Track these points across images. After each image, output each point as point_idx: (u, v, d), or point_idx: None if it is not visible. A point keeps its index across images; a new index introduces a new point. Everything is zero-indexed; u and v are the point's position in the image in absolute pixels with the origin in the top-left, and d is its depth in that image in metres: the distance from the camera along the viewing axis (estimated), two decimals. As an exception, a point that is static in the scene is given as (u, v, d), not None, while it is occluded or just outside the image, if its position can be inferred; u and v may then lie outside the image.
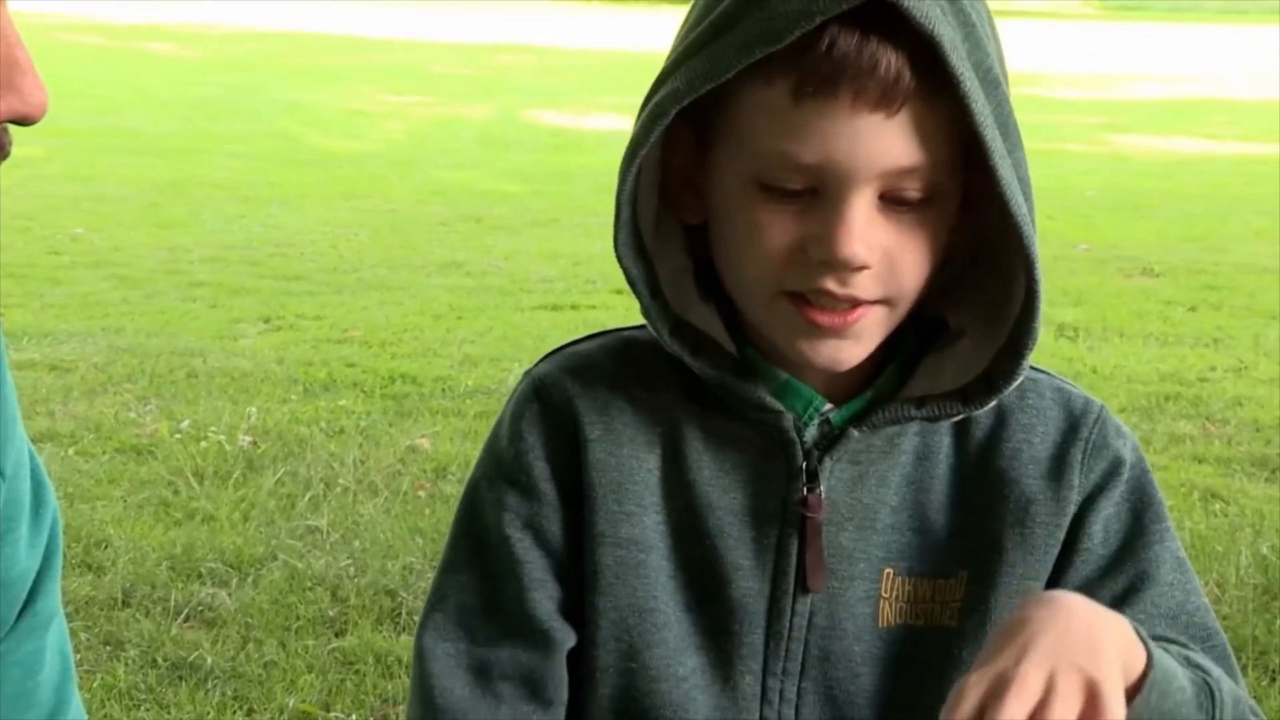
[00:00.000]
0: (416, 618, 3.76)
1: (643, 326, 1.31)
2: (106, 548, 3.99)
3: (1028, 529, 1.28)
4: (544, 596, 1.28)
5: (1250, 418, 5.48)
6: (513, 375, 5.72)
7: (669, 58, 1.22)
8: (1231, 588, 3.90)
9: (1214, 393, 5.79)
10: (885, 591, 1.28)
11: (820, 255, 1.17)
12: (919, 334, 1.29)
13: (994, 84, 1.16)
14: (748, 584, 1.28)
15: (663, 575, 1.28)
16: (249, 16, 27.31)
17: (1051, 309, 7.02)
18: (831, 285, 1.18)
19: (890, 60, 1.13)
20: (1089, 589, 1.26)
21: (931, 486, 1.29)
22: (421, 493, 4.50)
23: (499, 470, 1.31)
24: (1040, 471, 1.29)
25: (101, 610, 3.64)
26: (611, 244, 1.24)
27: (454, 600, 1.29)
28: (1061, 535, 1.29)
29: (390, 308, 7.01)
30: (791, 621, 1.28)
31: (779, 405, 1.26)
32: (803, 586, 1.27)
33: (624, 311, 7.01)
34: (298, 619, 3.65)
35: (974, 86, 1.13)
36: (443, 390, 5.58)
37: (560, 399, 1.30)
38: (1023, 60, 23.30)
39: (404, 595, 3.76)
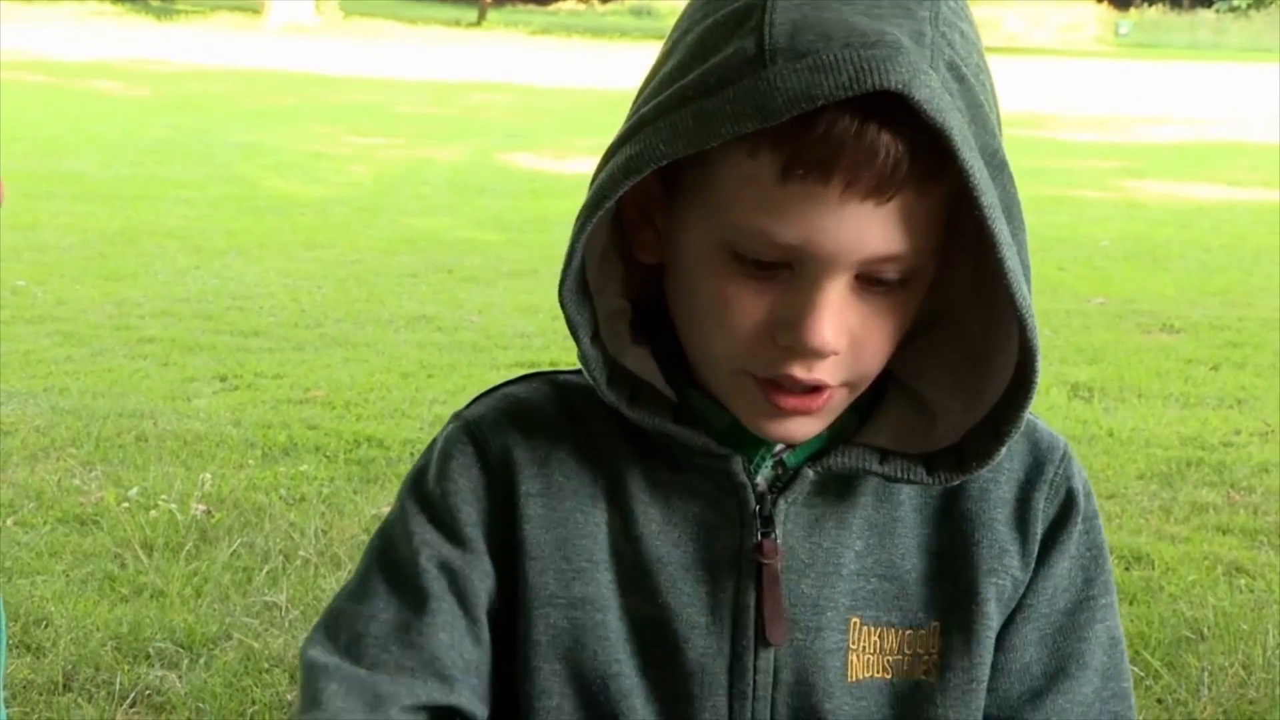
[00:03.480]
0: (382, 702, 3.75)
1: (575, 370, 1.32)
2: (47, 626, 3.97)
3: (1002, 580, 1.31)
4: (451, 642, 1.26)
5: (1277, 486, 5.49)
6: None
7: (642, 104, 1.21)
8: (1258, 669, 3.91)
9: (1239, 458, 5.81)
10: (854, 643, 1.29)
11: (788, 341, 1.18)
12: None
13: (999, 167, 1.17)
14: (705, 643, 1.28)
15: (619, 637, 1.28)
16: (200, 54, 27.41)
17: (1065, 367, 7.06)
18: (797, 372, 1.19)
19: (890, 149, 1.13)
20: (1022, 648, 1.31)
21: (895, 530, 1.30)
22: (388, 566, 4.49)
23: (423, 508, 1.30)
24: (1007, 516, 1.32)
25: (41, 695, 3.63)
26: (557, 291, 1.25)
27: (348, 629, 1.27)
28: (1044, 586, 1.33)
29: (355, 365, 7.02)
30: (755, 680, 1.28)
31: (725, 450, 1.27)
32: (764, 640, 1.27)
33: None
34: (253, 704, 3.63)
35: (982, 176, 1.14)
36: (411, 454, 5.58)
37: (497, 446, 1.30)
38: (1034, 100, 23.45)
39: (369, 677, 3.75)
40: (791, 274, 1.18)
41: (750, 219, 1.17)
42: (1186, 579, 4.51)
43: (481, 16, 43.29)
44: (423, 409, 6.22)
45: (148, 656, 3.84)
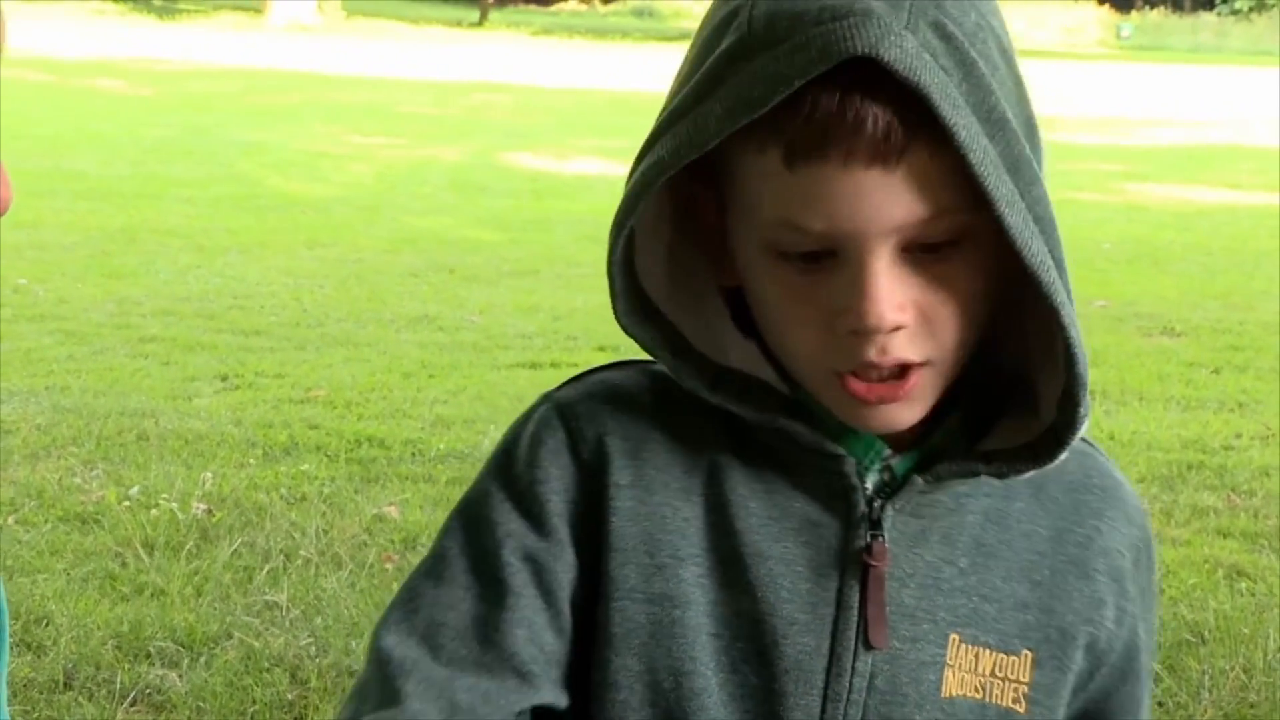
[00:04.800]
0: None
1: None
2: (48, 625, 3.97)
3: (1096, 631, 1.31)
4: (530, 636, 1.24)
5: (1278, 489, 5.49)
6: (488, 439, 5.72)
7: (656, 122, 1.23)
8: (1259, 673, 3.91)
9: (1240, 462, 5.82)
10: (951, 659, 1.28)
11: (848, 326, 1.18)
12: (985, 385, 1.29)
13: (999, 123, 1.16)
14: (804, 640, 1.26)
15: (701, 634, 1.26)
16: (202, 53, 27.42)
17: (1065, 370, 7.04)
18: (872, 356, 1.19)
19: (876, 116, 1.13)
20: (1127, 706, 1.34)
21: (1001, 553, 1.30)
22: (389, 565, 4.50)
23: (510, 494, 1.28)
24: (1107, 569, 1.32)
25: (42, 694, 3.63)
26: (615, 318, 1.25)
27: (426, 614, 1.25)
28: (1118, 649, 1.33)
29: (356, 365, 7.02)
30: (852, 682, 1.26)
31: (838, 449, 1.26)
32: (864, 643, 1.26)
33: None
34: (254, 703, 3.64)
35: (973, 132, 1.14)
36: (412, 454, 5.58)
37: (590, 435, 1.28)
38: (1036, 103, 23.43)
39: (369, 677, 3.75)
40: (838, 260, 1.18)
41: (777, 213, 1.18)
42: (1187, 582, 4.51)
43: (484, 17, 43.30)
44: (424, 409, 6.23)
45: (148, 655, 3.85)
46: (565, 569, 1.26)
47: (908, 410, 1.23)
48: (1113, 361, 7.32)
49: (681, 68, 1.25)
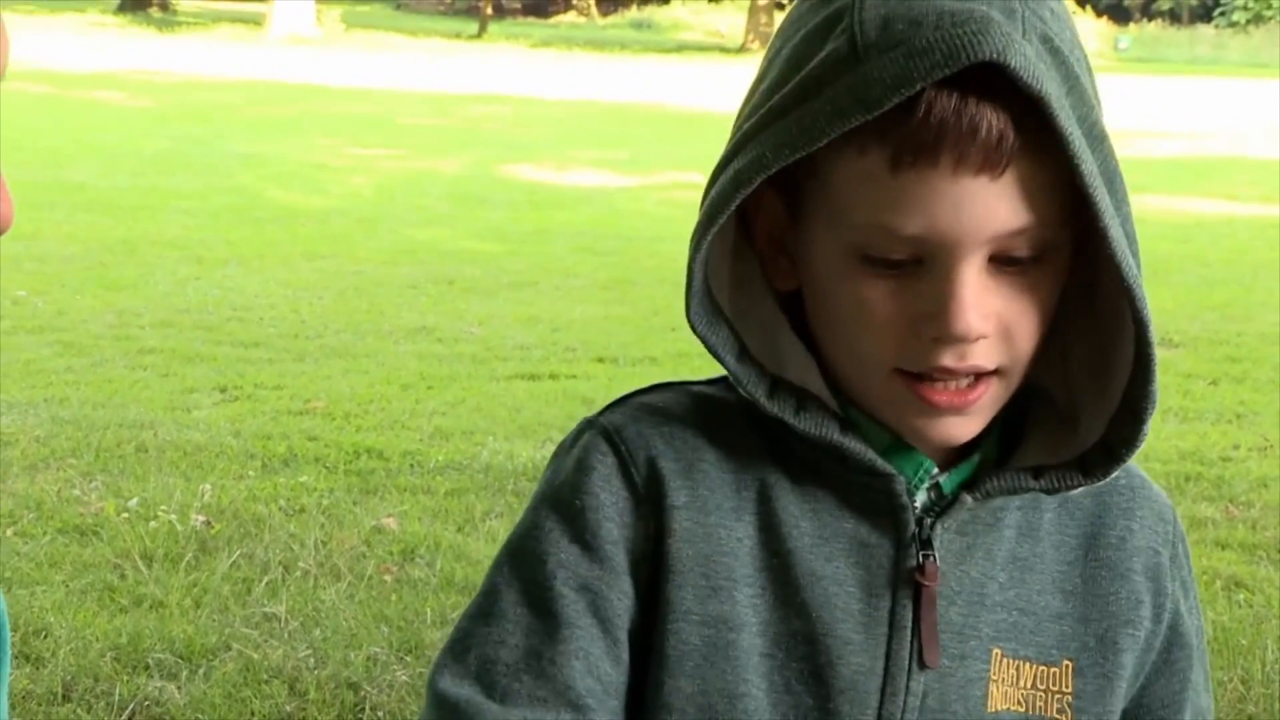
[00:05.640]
0: (381, 714, 3.76)
1: (709, 382, 1.31)
2: (46, 637, 3.97)
3: (1136, 632, 1.32)
4: (587, 668, 1.23)
5: (1276, 501, 5.49)
6: (487, 450, 5.72)
7: (745, 120, 1.22)
8: (1257, 684, 3.91)
9: (1237, 473, 5.81)
10: (995, 674, 1.28)
11: (934, 333, 1.18)
12: (1016, 398, 1.29)
13: (1099, 139, 1.18)
14: (858, 660, 1.26)
15: (754, 655, 1.25)
16: (202, 65, 27.44)
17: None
18: (950, 362, 1.19)
19: (992, 122, 1.14)
20: (1175, 706, 1.34)
21: (1035, 565, 1.30)
22: (387, 577, 4.50)
23: (561, 523, 1.26)
24: (1143, 567, 1.33)
25: (40, 706, 3.62)
26: (686, 316, 1.24)
27: (478, 652, 1.24)
28: (1157, 645, 1.33)
29: (355, 377, 7.02)
30: (906, 701, 1.26)
31: (890, 468, 1.25)
32: (919, 663, 1.26)
33: (606, 381, 7.03)
34: (252, 714, 3.63)
35: (1081, 145, 1.15)
36: (411, 466, 5.58)
37: (641, 458, 1.26)
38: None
39: (367, 689, 3.75)
40: (924, 267, 1.18)
41: (872, 216, 1.17)
42: (1185, 593, 4.51)
43: (482, 29, 43.34)
44: (422, 420, 6.22)
45: (147, 667, 3.84)
46: (621, 596, 1.25)
47: (970, 423, 1.23)
48: (1111, 373, 7.31)
49: (766, 70, 1.24)
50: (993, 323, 1.19)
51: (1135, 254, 1.19)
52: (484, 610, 1.26)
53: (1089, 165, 1.15)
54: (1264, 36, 48.12)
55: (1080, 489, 1.27)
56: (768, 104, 1.20)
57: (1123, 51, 48.56)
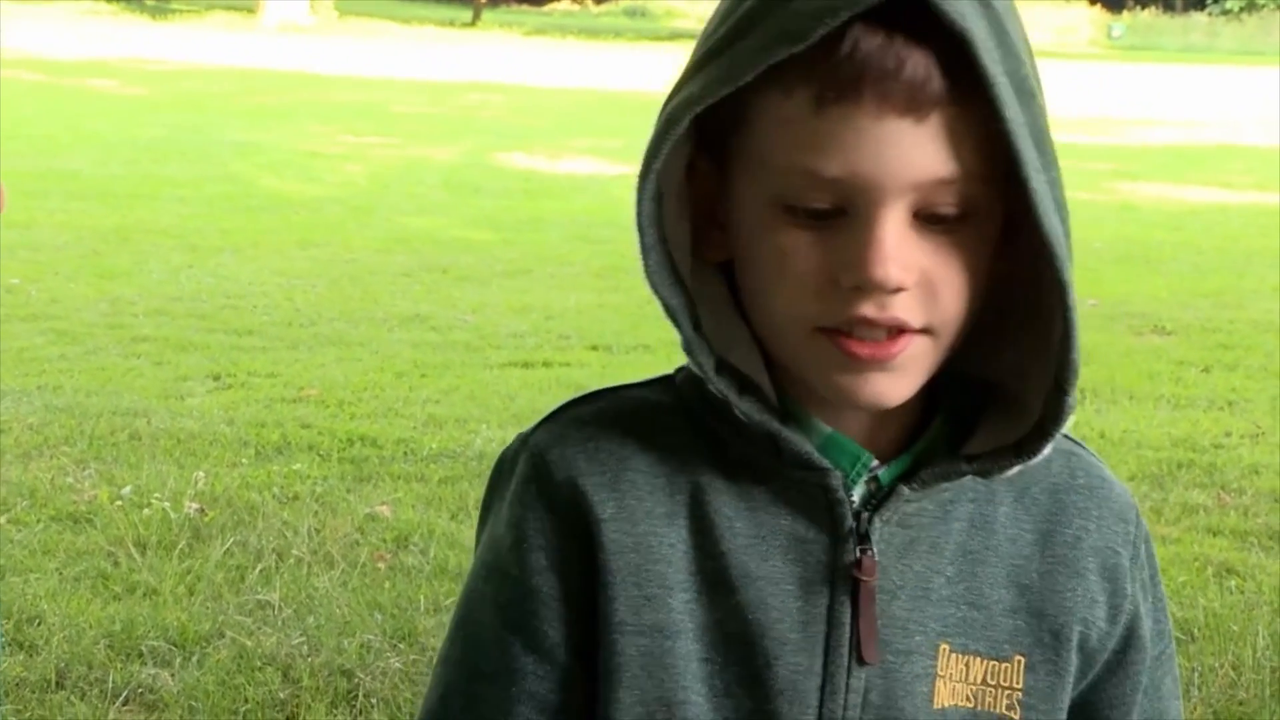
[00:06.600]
0: (374, 700, 3.77)
1: (643, 384, 1.30)
2: (39, 624, 3.97)
3: (1088, 630, 1.30)
4: (534, 710, 1.25)
5: (1267, 487, 5.50)
6: (480, 438, 5.72)
7: (686, 66, 1.21)
8: (1248, 670, 3.91)
9: (1229, 460, 5.82)
10: (942, 669, 1.26)
11: (852, 280, 1.15)
12: (965, 391, 1.27)
13: (1028, 94, 1.15)
14: (796, 660, 1.24)
15: (693, 661, 1.25)
16: (196, 53, 27.40)
17: (1056, 369, 7.06)
18: (869, 311, 1.16)
19: (917, 60, 1.12)
20: (1125, 707, 1.33)
21: (987, 559, 1.28)
22: (381, 564, 4.50)
23: (496, 560, 1.28)
24: (1100, 567, 1.31)
25: (33, 693, 3.63)
26: (644, 276, 1.22)
27: (440, 700, 1.28)
28: (1111, 646, 1.32)
29: (349, 365, 7.02)
30: (846, 699, 1.24)
31: (825, 462, 1.23)
32: (857, 659, 1.24)
33: (600, 369, 7.03)
34: (246, 702, 3.63)
35: (1006, 92, 1.13)
36: (405, 454, 5.58)
37: (563, 476, 1.26)
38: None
39: (361, 676, 3.75)
40: (846, 219, 1.16)
41: (794, 159, 1.15)
42: (1177, 580, 4.52)
43: (476, 17, 43.29)
44: (416, 408, 6.22)
45: (140, 654, 3.84)
46: (558, 624, 1.26)
47: (898, 382, 1.20)
48: (1103, 360, 7.32)
49: (715, 12, 1.22)
50: (914, 275, 1.16)
51: (1064, 219, 1.17)
52: (445, 655, 1.30)
53: (1013, 113, 1.13)
54: (1257, 24, 48.12)
55: (1016, 468, 1.24)
56: (703, 49, 1.19)
57: (1116, 39, 48.58)
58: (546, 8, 54.77)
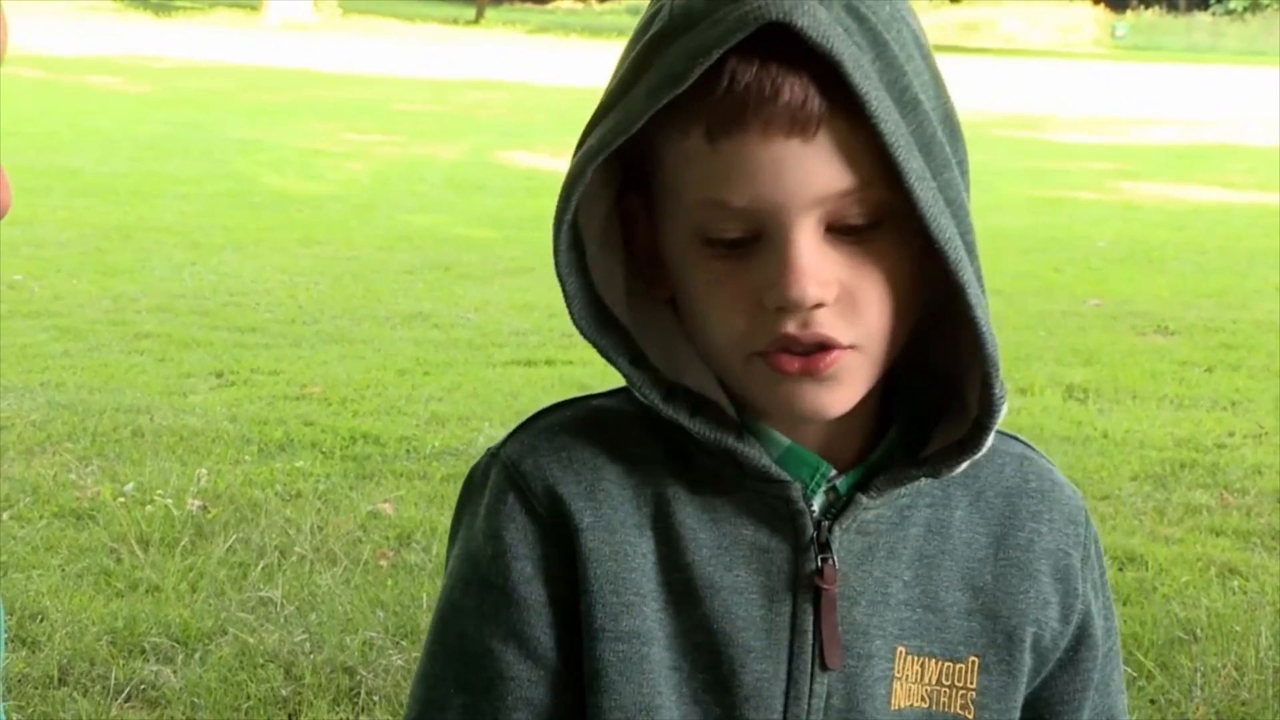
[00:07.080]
0: (376, 698, 3.77)
1: (611, 393, 1.33)
2: (42, 621, 3.97)
3: (1041, 631, 1.33)
4: (531, 716, 1.27)
5: (1271, 487, 5.50)
6: (483, 436, 5.73)
7: (589, 118, 1.26)
8: (1251, 670, 3.91)
9: (1232, 460, 5.82)
10: (899, 671, 1.30)
11: (774, 301, 1.19)
12: (927, 391, 1.30)
13: (911, 104, 1.18)
14: (761, 667, 1.27)
15: (664, 668, 1.27)
16: (199, 50, 27.40)
17: (1060, 368, 7.06)
18: (793, 329, 1.19)
19: (793, 84, 1.16)
20: (1077, 705, 1.36)
21: (943, 563, 1.31)
22: (383, 562, 4.50)
23: (476, 572, 1.29)
24: (1052, 569, 1.34)
25: (36, 689, 3.63)
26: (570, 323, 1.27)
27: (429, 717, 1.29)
28: (1063, 645, 1.35)
29: (352, 362, 7.02)
30: (810, 704, 1.28)
31: (784, 475, 1.26)
32: (820, 665, 1.28)
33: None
34: (248, 699, 3.64)
35: (883, 105, 1.16)
36: (407, 451, 5.58)
37: (541, 486, 1.28)
38: (1030, 102, 23.46)
39: (363, 673, 3.76)
40: (762, 243, 1.19)
41: (701, 193, 1.20)
42: (1180, 580, 4.52)
43: (479, 15, 43.28)
44: (419, 406, 6.22)
45: (143, 651, 3.85)
46: (548, 629, 1.28)
47: (837, 393, 1.22)
48: (1106, 360, 7.33)
49: (613, 69, 1.27)
50: (834, 289, 1.19)
51: (962, 222, 1.20)
52: (426, 672, 1.31)
53: (892, 126, 1.16)
54: (1261, 24, 48.09)
55: (963, 464, 1.27)
56: (603, 98, 1.24)
57: (1120, 39, 48.55)
58: (550, 6, 54.79)
